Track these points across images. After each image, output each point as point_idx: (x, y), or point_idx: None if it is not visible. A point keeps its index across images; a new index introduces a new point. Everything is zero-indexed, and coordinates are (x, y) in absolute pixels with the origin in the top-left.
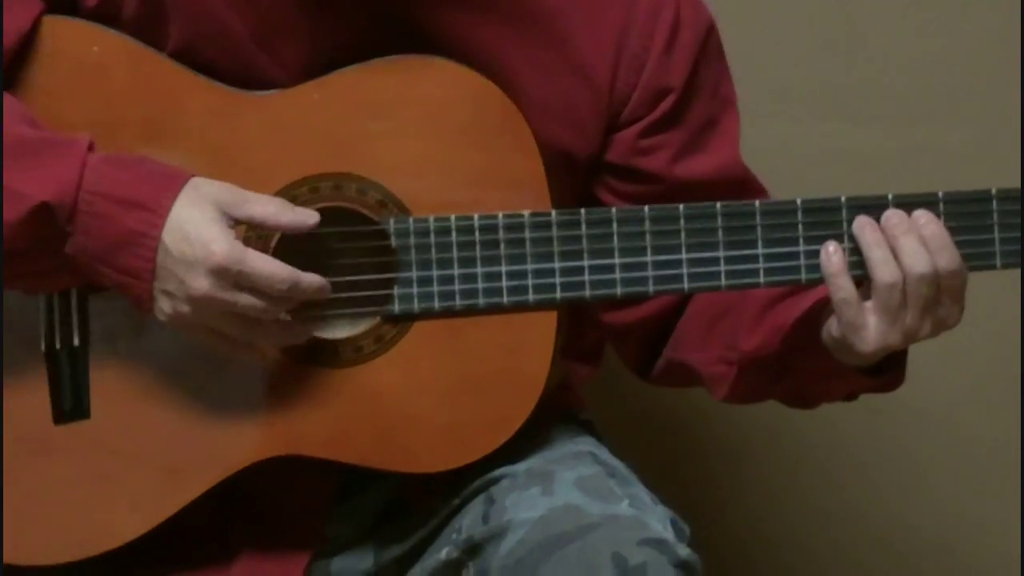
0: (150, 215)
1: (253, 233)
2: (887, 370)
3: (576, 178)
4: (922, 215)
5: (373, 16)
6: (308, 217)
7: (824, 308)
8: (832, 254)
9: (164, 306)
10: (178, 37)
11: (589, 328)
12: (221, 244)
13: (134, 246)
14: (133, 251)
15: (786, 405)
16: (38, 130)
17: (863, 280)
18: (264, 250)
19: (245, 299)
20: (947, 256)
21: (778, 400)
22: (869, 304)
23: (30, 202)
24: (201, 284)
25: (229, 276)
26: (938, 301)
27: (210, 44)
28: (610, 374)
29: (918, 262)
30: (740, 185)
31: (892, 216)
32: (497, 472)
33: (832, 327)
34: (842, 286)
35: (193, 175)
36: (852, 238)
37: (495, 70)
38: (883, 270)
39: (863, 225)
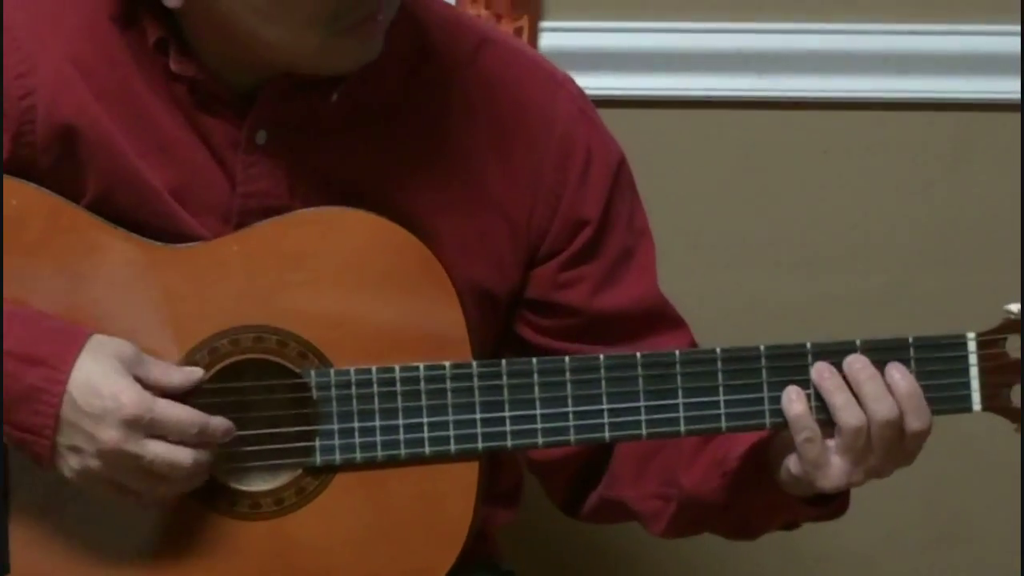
0: (51, 371)
1: None
2: (831, 499)
3: (496, 315)
4: (895, 369)
5: (287, 166)
6: (194, 372)
7: (769, 443)
8: (795, 400)
9: (72, 462)
10: (95, 189)
11: (507, 471)
12: (131, 394)
13: (34, 402)
14: (34, 407)
15: (725, 537)
16: None
17: (826, 424)
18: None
19: (155, 448)
20: (919, 419)
21: (718, 533)
22: (832, 444)
23: None
24: (111, 436)
25: (140, 425)
26: (902, 443)
27: (126, 195)
28: (530, 521)
29: (882, 408)
30: (658, 316)
31: (855, 362)
32: None
33: (791, 464)
34: (806, 426)
35: (94, 332)
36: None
37: (412, 212)
38: (847, 413)
39: (822, 371)
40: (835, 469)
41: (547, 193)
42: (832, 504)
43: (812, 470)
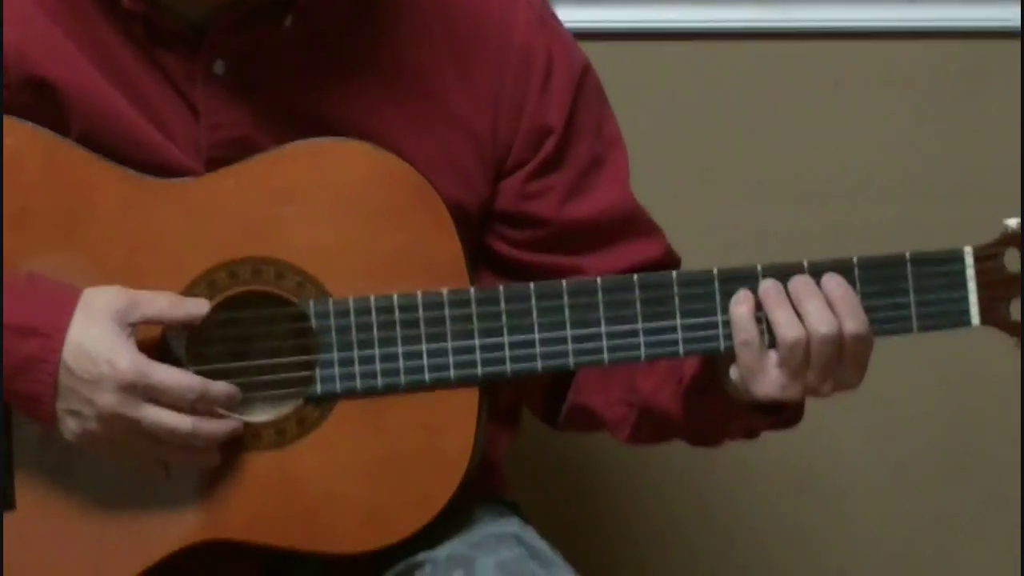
0: (45, 340)
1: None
2: (784, 408)
3: (469, 231)
4: (831, 279)
5: (248, 95)
6: (198, 307)
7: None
8: (741, 301)
9: (72, 426)
10: (77, 128)
11: (504, 389)
12: (126, 358)
13: (32, 371)
14: (32, 376)
15: (690, 444)
16: None
17: (772, 343)
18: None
19: (153, 413)
20: (854, 321)
21: (682, 439)
22: (772, 353)
23: None
24: (108, 400)
25: (137, 391)
26: (841, 362)
27: (108, 131)
28: (533, 457)
29: (822, 323)
30: (630, 222)
31: (798, 280)
32: (419, 557)
33: (732, 369)
34: (745, 327)
35: (83, 289)
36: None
37: (375, 133)
38: (786, 328)
39: (767, 288)
40: (770, 377)
41: (509, 104)
42: (784, 413)
43: (747, 375)
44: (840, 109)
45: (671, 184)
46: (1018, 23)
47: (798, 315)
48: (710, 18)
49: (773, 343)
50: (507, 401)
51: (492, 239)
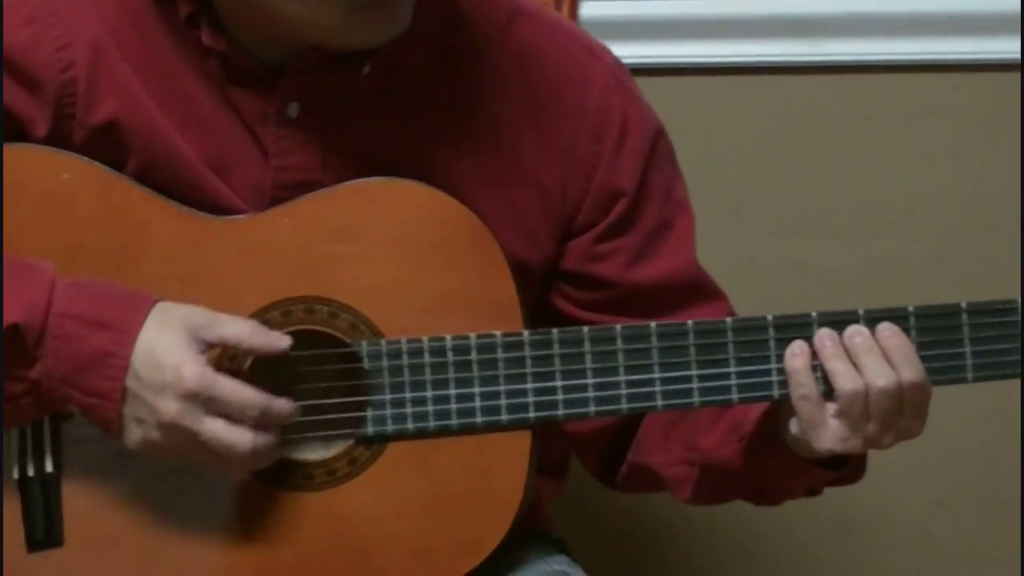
0: (118, 335)
1: (226, 355)
2: (846, 464)
3: (531, 287)
4: (886, 328)
5: (319, 138)
6: (280, 340)
7: (779, 405)
8: (797, 354)
9: (135, 433)
10: (134, 164)
11: (555, 441)
12: (192, 368)
13: (103, 367)
14: (102, 372)
15: (751, 503)
16: (4, 256)
17: (829, 392)
18: (236, 373)
19: (213, 426)
20: (911, 370)
21: (742, 499)
22: (831, 406)
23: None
24: (170, 409)
25: (199, 401)
26: (901, 412)
27: (165, 170)
28: (579, 494)
29: (880, 376)
30: (695, 288)
31: (855, 333)
32: None
33: (792, 423)
34: (803, 383)
35: (160, 299)
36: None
37: (446, 184)
38: (845, 379)
39: (823, 338)
40: (830, 431)
41: (581, 164)
42: (846, 468)
43: (808, 429)
44: (874, 143)
45: (705, 219)
46: None
47: (855, 366)
48: (742, 53)
49: (830, 393)
50: (556, 454)
51: (556, 298)
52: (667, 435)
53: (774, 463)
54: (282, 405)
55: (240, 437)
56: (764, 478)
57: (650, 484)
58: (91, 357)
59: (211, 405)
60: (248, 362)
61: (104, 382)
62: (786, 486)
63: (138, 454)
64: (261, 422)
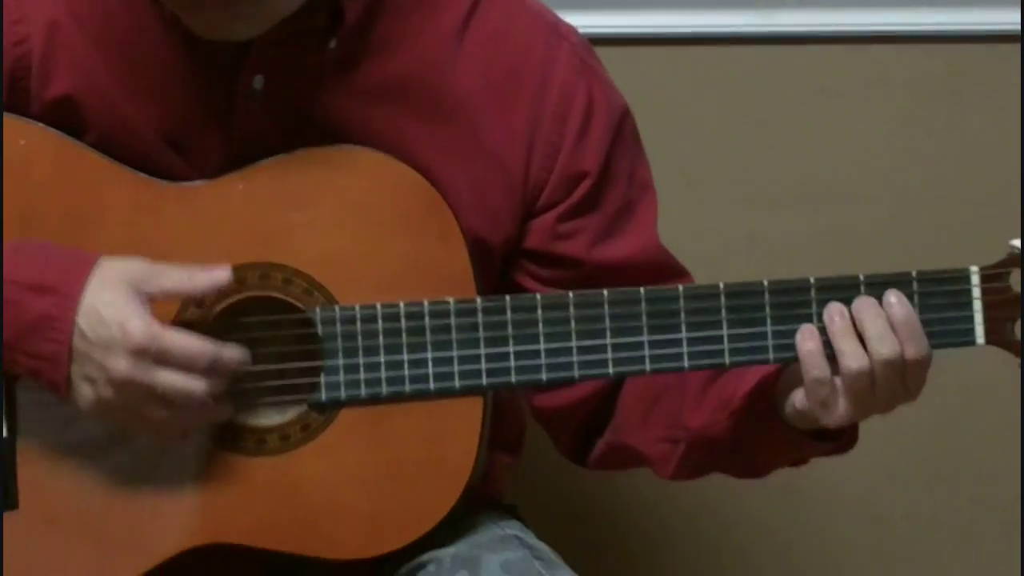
0: (61, 298)
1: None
2: (839, 435)
3: (491, 266)
4: (893, 295)
5: (284, 111)
6: (222, 273)
7: (775, 379)
8: (808, 338)
9: (87, 393)
10: (90, 138)
11: (511, 417)
12: (136, 323)
13: (47, 330)
14: (46, 335)
15: (735, 477)
16: None
17: (831, 360)
18: (204, 319)
19: (166, 378)
20: (915, 345)
21: (726, 472)
22: (838, 383)
23: None
24: (120, 365)
25: (148, 355)
26: (903, 382)
27: (121, 143)
28: (531, 462)
29: (884, 347)
30: (658, 268)
31: (863, 303)
32: (424, 557)
33: (797, 399)
34: (817, 365)
35: (101, 256)
36: (821, 318)
37: (409, 160)
38: (852, 358)
39: (832, 313)
40: (840, 408)
41: (545, 145)
42: (842, 438)
43: (818, 408)
44: (828, 114)
45: (658, 189)
46: (1006, 27)
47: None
48: (697, 23)
49: (835, 370)
50: (512, 430)
51: (520, 276)
52: (647, 413)
53: (767, 437)
54: (232, 352)
55: (196, 383)
56: (753, 452)
57: (627, 462)
58: (33, 321)
59: (161, 357)
60: (218, 307)
61: (48, 344)
62: (774, 459)
63: (90, 417)
64: (213, 369)
